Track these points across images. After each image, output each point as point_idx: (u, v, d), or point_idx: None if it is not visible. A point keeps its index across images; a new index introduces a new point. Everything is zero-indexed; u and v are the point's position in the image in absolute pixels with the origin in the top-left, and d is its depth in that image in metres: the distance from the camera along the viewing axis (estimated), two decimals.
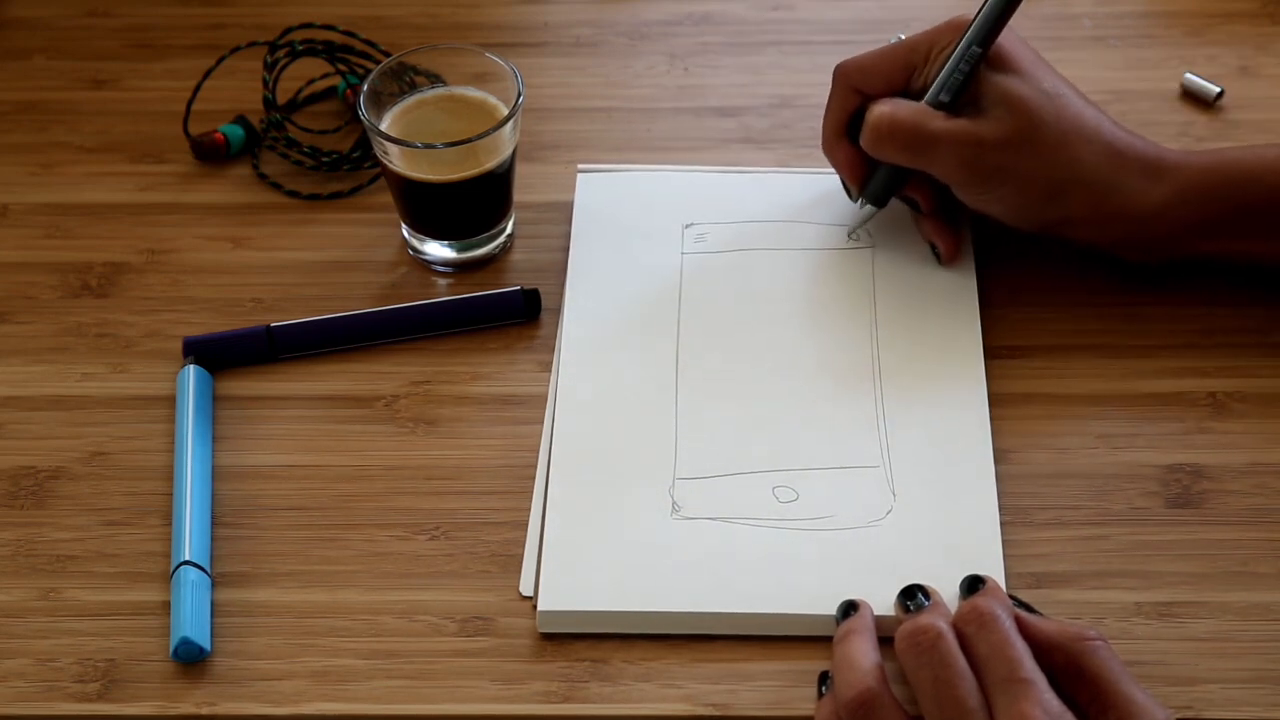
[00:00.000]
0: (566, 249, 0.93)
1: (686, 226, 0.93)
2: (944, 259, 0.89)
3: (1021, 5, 0.84)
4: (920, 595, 0.75)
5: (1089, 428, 0.84)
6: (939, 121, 0.84)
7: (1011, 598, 0.75)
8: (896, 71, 0.87)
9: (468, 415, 0.86)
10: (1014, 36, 0.86)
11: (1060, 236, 0.88)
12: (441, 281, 0.93)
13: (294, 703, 0.76)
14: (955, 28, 0.85)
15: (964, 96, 0.85)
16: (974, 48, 0.84)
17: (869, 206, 0.89)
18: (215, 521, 0.82)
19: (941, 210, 0.89)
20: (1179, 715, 0.74)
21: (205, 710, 0.76)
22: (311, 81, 1.02)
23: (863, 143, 0.87)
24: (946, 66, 0.85)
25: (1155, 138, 0.95)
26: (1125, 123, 0.98)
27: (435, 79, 0.93)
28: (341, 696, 0.76)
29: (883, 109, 0.85)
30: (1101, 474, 0.83)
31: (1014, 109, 0.84)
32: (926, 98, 0.85)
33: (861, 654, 0.73)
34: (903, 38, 0.89)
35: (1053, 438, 0.84)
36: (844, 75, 0.88)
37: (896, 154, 0.86)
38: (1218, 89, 0.99)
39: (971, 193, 0.86)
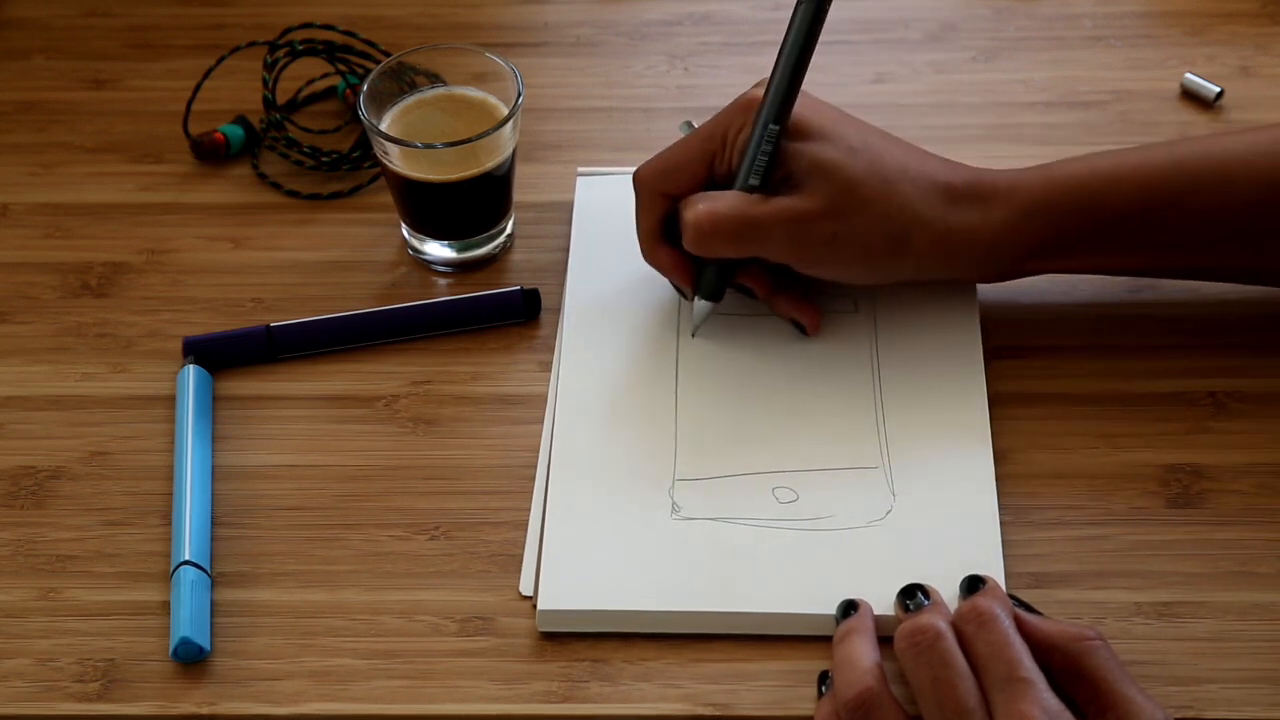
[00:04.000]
0: (566, 249, 0.93)
1: None
2: (810, 331, 0.87)
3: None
4: (920, 595, 0.75)
5: (1089, 428, 0.84)
6: (759, 206, 0.82)
7: (1011, 597, 0.75)
8: (697, 165, 0.85)
9: (468, 415, 0.86)
10: (809, 100, 0.84)
11: (909, 282, 0.86)
12: (441, 281, 0.93)
13: (294, 703, 0.76)
14: (745, 108, 0.83)
15: (774, 175, 0.83)
16: (771, 126, 0.82)
17: (705, 303, 0.86)
18: (215, 521, 0.82)
19: (786, 287, 0.87)
20: (1179, 715, 0.74)
21: (205, 710, 0.76)
22: (311, 81, 1.02)
23: (686, 245, 0.84)
24: (749, 151, 0.83)
25: (1155, 138, 0.96)
26: (1125, 123, 0.99)
27: (435, 79, 0.93)
28: (341, 696, 0.76)
29: (699, 208, 0.83)
30: (1101, 474, 0.83)
31: (828, 175, 0.81)
32: (736, 185, 0.83)
33: (861, 654, 0.73)
34: (694, 125, 0.87)
35: (1053, 438, 0.84)
36: (644, 182, 0.86)
37: (724, 249, 0.83)
38: (1218, 89, 0.99)
39: (811, 267, 0.84)
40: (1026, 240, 0.83)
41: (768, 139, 0.82)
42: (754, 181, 0.83)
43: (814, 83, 1.01)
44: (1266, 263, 0.85)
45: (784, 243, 0.83)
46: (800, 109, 0.83)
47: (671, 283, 0.88)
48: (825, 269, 0.84)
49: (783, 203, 0.82)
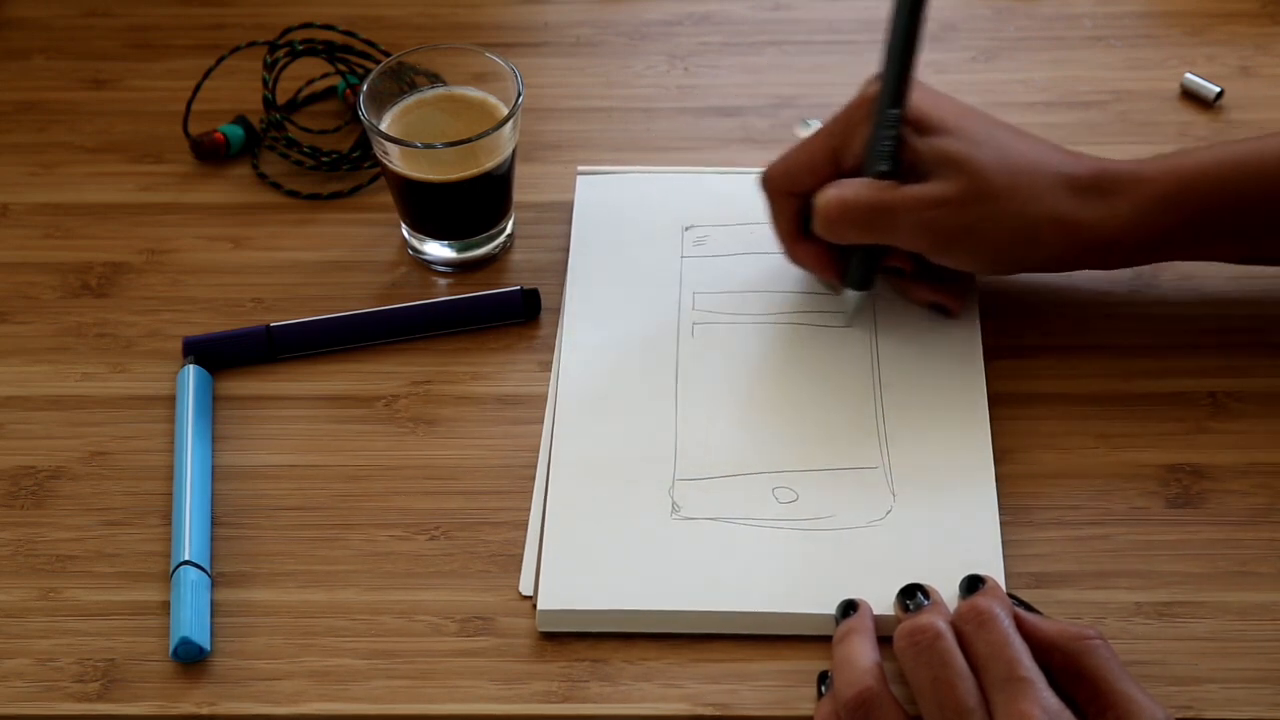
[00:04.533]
0: (566, 249, 0.93)
1: (686, 229, 0.93)
2: (953, 312, 0.87)
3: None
4: (920, 595, 0.75)
5: (1089, 428, 0.84)
6: (889, 192, 0.83)
7: (1011, 597, 0.75)
8: (822, 163, 0.85)
9: (468, 415, 0.86)
10: (930, 94, 0.85)
11: (1042, 272, 0.87)
12: (441, 281, 0.93)
13: (294, 703, 0.76)
14: (865, 102, 0.84)
15: (903, 164, 0.83)
16: (890, 111, 0.82)
17: (856, 293, 0.87)
18: (215, 521, 0.82)
19: (928, 271, 0.87)
20: (1179, 715, 0.74)
21: (205, 710, 0.76)
22: (311, 81, 1.02)
23: (816, 229, 0.84)
24: (872, 137, 0.83)
25: (1155, 138, 0.96)
26: (1125, 123, 0.99)
27: (435, 79, 0.93)
28: (341, 696, 0.76)
29: (829, 193, 0.83)
30: (1101, 474, 0.83)
31: (957, 167, 0.82)
32: (865, 172, 0.83)
33: (861, 653, 0.73)
34: (813, 124, 0.87)
35: (1053, 438, 0.84)
36: (773, 183, 0.86)
37: (855, 234, 0.84)
38: (1218, 89, 0.99)
39: (942, 255, 0.84)
40: (1153, 232, 0.83)
41: (889, 124, 0.83)
42: (883, 167, 0.83)
43: (814, 83, 1.01)
44: None
45: (914, 230, 0.83)
46: (923, 104, 0.84)
47: (818, 279, 0.88)
48: (955, 257, 0.84)
49: (913, 189, 0.82)
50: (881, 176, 0.83)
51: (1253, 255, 0.86)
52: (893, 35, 0.83)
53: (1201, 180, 0.83)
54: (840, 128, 0.85)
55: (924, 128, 0.83)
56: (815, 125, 0.87)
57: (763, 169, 0.87)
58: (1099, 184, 0.83)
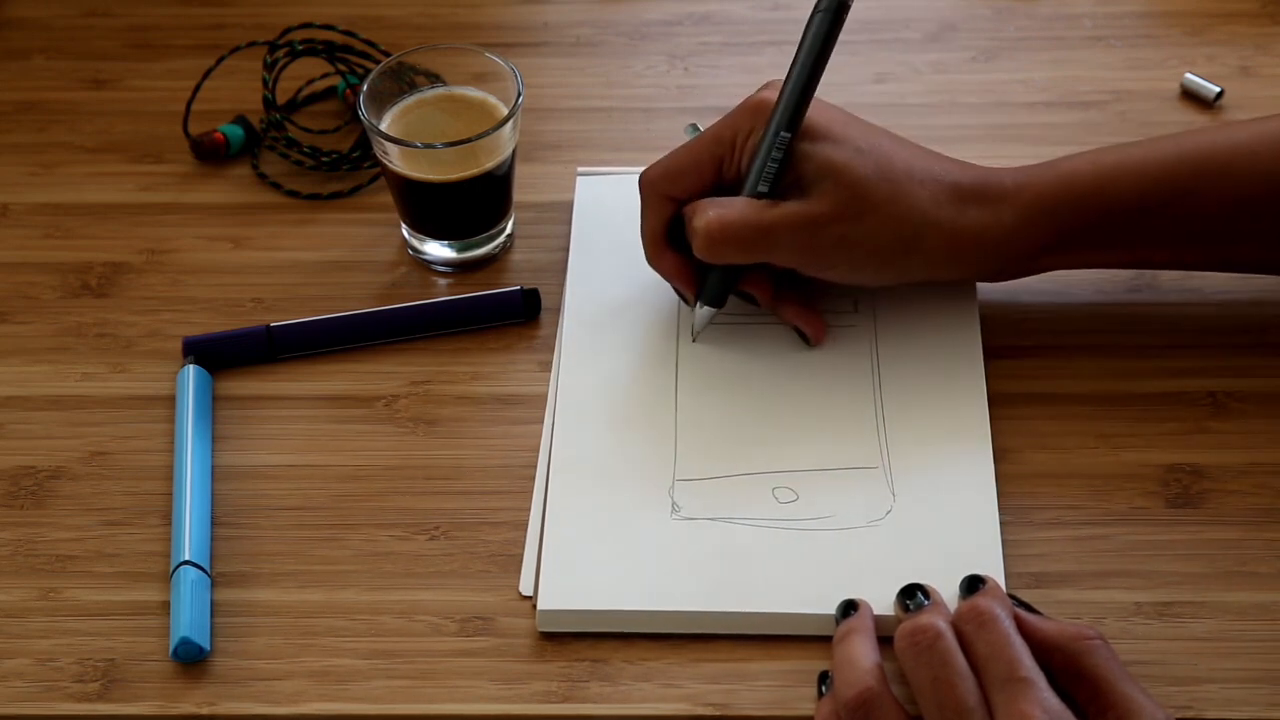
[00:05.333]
0: (566, 249, 0.93)
1: None
2: (814, 342, 0.86)
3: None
4: (920, 595, 0.75)
5: (1089, 428, 0.84)
6: (769, 212, 0.82)
7: (1011, 597, 0.75)
8: (704, 169, 0.84)
9: (468, 415, 0.86)
10: (817, 104, 0.84)
11: (920, 283, 0.86)
12: (441, 281, 0.93)
13: (294, 703, 0.76)
14: (754, 110, 0.83)
15: (784, 180, 0.83)
16: (783, 134, 0.82)
17: (707, 309, 0.86)
18: (215, 521, 0.82)
19: (790, 294, 0.86)
20: (1179, 715, 0.74)
21: (205, 710, 0.76)
22: (311, 81, 1.02)
23: (696, 251, 0.83)
24: (759, 157, 0.82)
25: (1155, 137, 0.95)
26: (1125, 123, 0.99)
27: (435, 79, 0.93)
28: (341, 696, 0.76)
29: (710, 215, 0.82)
30: (1101, 474, 0.83)
31: (837, 178, 0.81)
32: (745, 190, 0.83)
33: (861, 653, 0.73)
34: (699, 127, 0.87)
35: (1053, 438, 0.84)
36: (651, 185, 0.85)
37: (734, 255, 0.83)
38: (1218, 89, 0.99)
39: (820, 270, 0.84)
40: (1037, 238, 0.83)
41: (779, 146, 0.82)
42: (763, 188, 0.82)
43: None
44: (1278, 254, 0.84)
45: (793, 248, 0.82)
46: (809, 111, 0.83)
47: (674, 288, 0.88)
48: (835, 272, 0.84)
49: (792, 208, 0.82)
50: (759, 196, 0.82)
51: (1150, 261, 0.86)
52: (803, 57, 0.82)
53: (1081, 187, 0.82)
54: (726, 135, 0.84)
55: (807, 134, 0.82)
56: (700, 131, 0.86)
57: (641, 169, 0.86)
58: (983, 191, 0.83)
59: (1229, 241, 0.84)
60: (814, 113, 0.83)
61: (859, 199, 0.81)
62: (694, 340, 0.87)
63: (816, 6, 0.83)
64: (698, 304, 0.86)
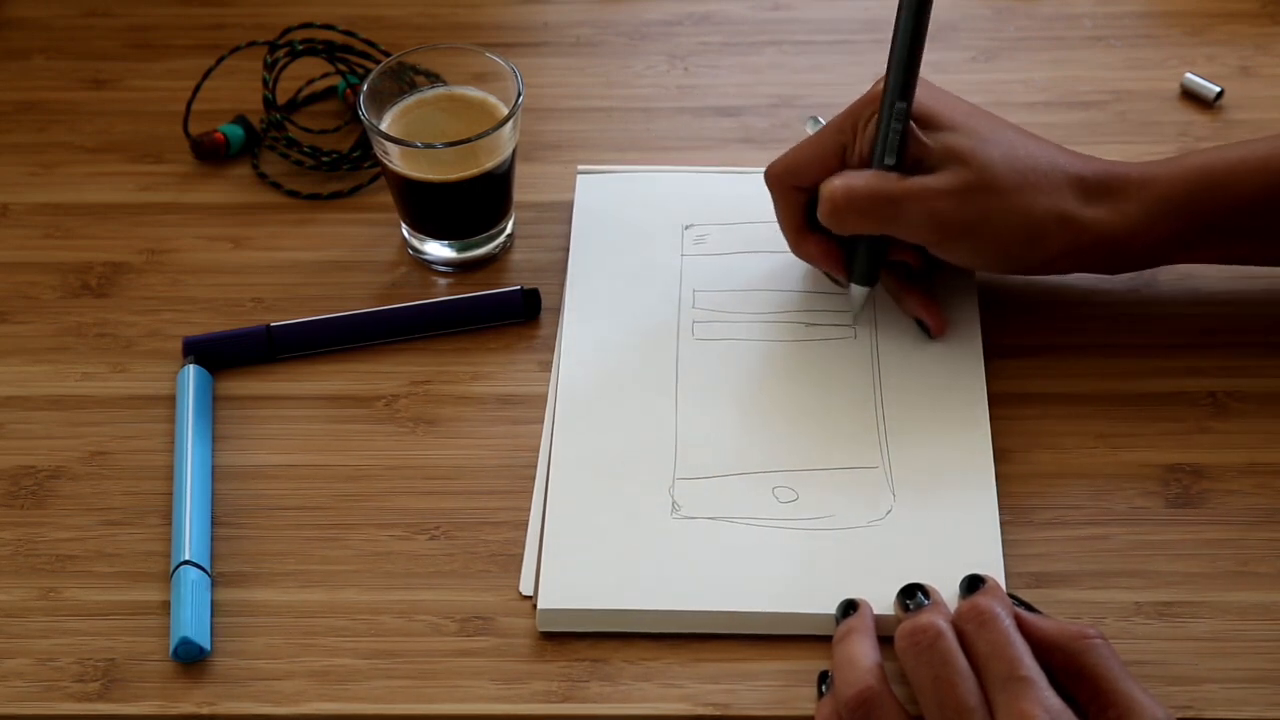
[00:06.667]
0: (566, 249, 0.93)
1: (686, 228, 0.93)
2: (935, 333, 0.87)
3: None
4: (920, 594, 0.75)
5: (1089, 428, 0.84)
6: (896, 183, 0.82)
7: (1011, 597, 0.75)
8: (829, 158, 0.85)
9: (468, 415, 0.86)
10: (936, 92, 0.85)
11: (1044, 274, 0.87)
12: (441, 281, 0.93)
13: (294, 703, 0.76)
14: (872, 100, 0.83)
15: (909, 159, 0.83)
16: (898, 104, 0.82)
17: (861, 288, 0.86)
18: (215, 521, 0.82)
19: (914, 286, 0.87)
20: (1179, 715, 0.74)
21: (205, 710, 0.76)
22: (311, 81, 1.02)
23: (821, 218, 0.84)
24: (880, 131, 0.83)
25: (1155, 138, 0.96)
26: (1125, 123, 0.99)
27: (435, 79, 0.93)
28: (341, 696, 0.76)
29: (835, 182, 0.83)
30: (1101, 474, 0.83)
31: (964, 162, 0.82)
32: (874, 164, 0.83)
33: (861, 653, 0.73)
34: (820, 120, 0.87)
35: (1053, 438, 0.84)
36: (777, 179, 0.86)
37: (860, 223, 0.83)
38: (1218, 89, 0.99)
39: (947, 249, 0.84)
40: (1160, 234, 0.83)
41: (896, 117, 0.82)
42: (889, 161, 0.83)
43: (814, 83, 1.01)
44: None
45: (919, 220, 0.82)
46: (931, 102, 0.83)
47: (824, 272, 0.88)
48: (959, 252, 0.84)
49: (920, 181, 0.82)
50: (888, 170, 0.83)
51: (1265, 257, 0.86)
52: (899, 30, 0.83)
53: (1208, 182, 0.83)
54: (848, 124, 0.85)
55: (931, 124, 0.83)
56: (823, 123, 0.87)
57: (765, 166, 0.87)
58: (1107, 186, 0.83)
59: None
60: (937, 103, 0.84)
61: (986, 182, 0.81)
62: (854, 323, 0.87)
63: None
64: (851, 285, 0.86)
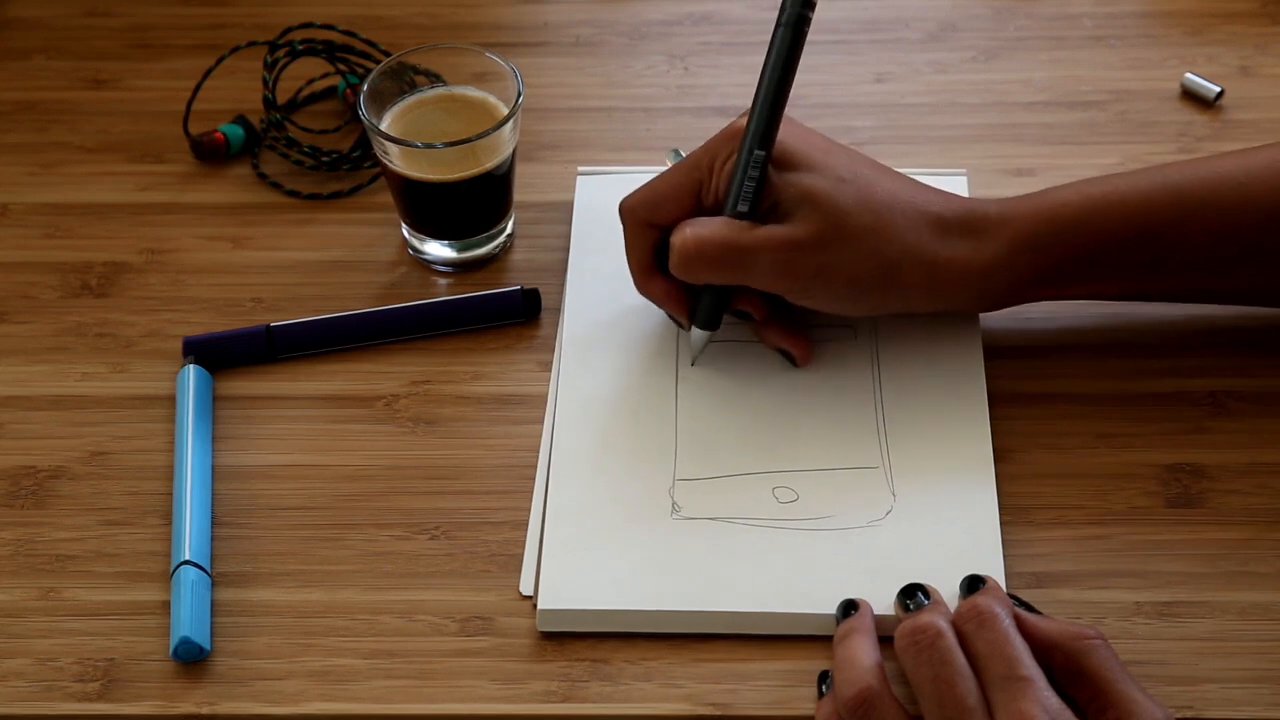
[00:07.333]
0: (566, 249, 0.93)
1: None
2: (800, 362, 0.86)
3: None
4: (920, 594, 0.75)
5: (1089, 428, 0.84)
6: (747, 233, 0.81)
7: (1011, 597, 0.75)
8: (684, 196, 0.83)
9: (468, 415, 0.86)
10: (797, 129, 0.83)
11: (901, 314, 0.85)
12: (441, 281, 0.93)
13: (294, 703, 0.76)
14: (731, 137, 0.82)
15: (764, 203, 0.82)
16: (756, 152, 0.81)
17: (702, 333, 0.85)
18: (215, 521, 0.82)
19: (780, 316, 0.86)
20: (1179, 715, 0.74)
21: (205, 710, 0.76)
22: (311, 81, 1.02)
23: (672, 269, 0.82)
24: (735, 177, 0.81)
25: (1155, 138, 0.96)
26: (1125, 123, 0.99)
27: (435, 79, 0.93)
28: (341, 696, 0.76)
29: (686, 232, 0.81)
30: (1101, 474, 0.83)
31: (817, 205, 0.80)
32: (725, 211, 0.82)
33: (862, 653, 0.73)
34: (682, 154, 0.86)
35: (1053, 438, 0.84)
36: (631, 212, 0.85)
37: (710, 274, 0.82)
38: (1218, 89, 0.99)
39: (800, 296, 0.83)
40: (1020, 271, 0.82)
41: (754, 165, 0.81)
42: (742, 208, 0.81)
43: (814, 83, 1.01)
44: (1269, 283, 0.84)
45: (771, 271, 0.81)
46: (789, 139, 0.82)
47: (667, 313, 0.87)
48: (814, 299, 0.83)
49: (771, 230, 0.81)
50: (740, 217, 0.82)
51: (1134, 293, 0.85)
52: (769, 73, 0.82)
53: (1066, 219, 0.81)
54: (705, 161, 0.83)
55: (787, 164, 0.82)
56: (683, 156, 0.86)
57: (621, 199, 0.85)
58: (968, 224, 0.82)
59: (1217, 273, 0.83)
60: (794, 140, 0.82)
61: (839, 228, 0.80)
62: (693, 365, 0.87)
63: (778, 21, 0.82)
64: (692, 328, 0.85)
